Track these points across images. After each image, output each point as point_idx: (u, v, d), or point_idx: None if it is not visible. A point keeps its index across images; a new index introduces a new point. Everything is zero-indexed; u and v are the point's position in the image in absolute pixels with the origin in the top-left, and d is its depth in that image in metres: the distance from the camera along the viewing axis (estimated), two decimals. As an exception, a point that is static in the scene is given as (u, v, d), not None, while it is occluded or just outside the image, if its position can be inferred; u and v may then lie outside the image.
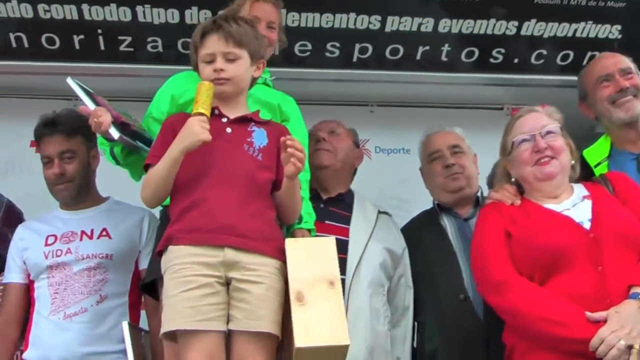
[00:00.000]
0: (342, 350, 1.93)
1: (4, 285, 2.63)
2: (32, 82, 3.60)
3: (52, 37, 3.33)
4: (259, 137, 2.14)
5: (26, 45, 3.36)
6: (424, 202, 3.12)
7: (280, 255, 2.02)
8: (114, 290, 2.49)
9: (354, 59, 3.46)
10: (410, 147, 3.79)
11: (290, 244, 2.05)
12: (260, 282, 1.95)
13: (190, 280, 1.91)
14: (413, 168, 3.60)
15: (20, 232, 2.63)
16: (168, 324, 1.92)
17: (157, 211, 2.53)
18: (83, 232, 2.54)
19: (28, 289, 2.57)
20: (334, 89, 3.65)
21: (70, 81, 2.30)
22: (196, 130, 1.98)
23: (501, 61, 3.55)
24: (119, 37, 3.31)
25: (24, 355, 2.48)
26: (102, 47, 3.35)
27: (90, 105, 2.23)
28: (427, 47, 3.47)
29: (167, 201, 2.25)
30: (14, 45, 3.36)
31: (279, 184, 2.12)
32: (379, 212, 2.71)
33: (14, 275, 2.59)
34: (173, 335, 1.94)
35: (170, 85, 2.38)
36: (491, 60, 3.55)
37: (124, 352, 2.37)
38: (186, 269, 1.93)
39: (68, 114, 2.66)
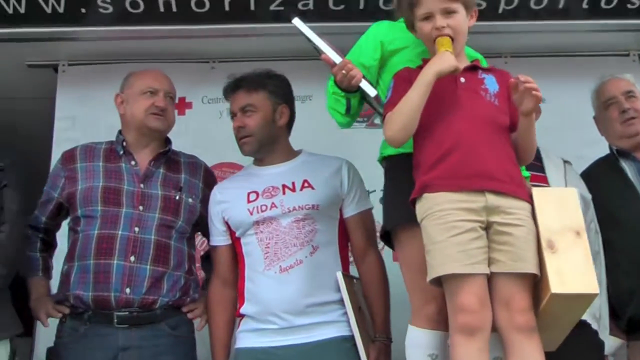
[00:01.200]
0: (591, 298, 2.03)
1: (211, 247, 2.69)
2: (177, 46, 3.66)
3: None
4: (491, 84, 2.19)
5: (174, 9, 3.38)
6: (563, 149, 3.17)
7: (530, 199, 2.08)
8: (324, 240, 2.52)
9: (500, 10, 3.47)
10: (546, 96, 3.84)
11: (537, 192, 2.11)
12: (522, 225, 2.01)
13: (456, 226, 1.97)
14: (549, 117, 3.68)
15: (217, 194, 2.67)
16: (439, 268, 1.98)
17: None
18: (284, 186, 2.56)
19: (234, 248, 2.63)
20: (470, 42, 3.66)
21: (298, 23, 2.33)
22: (450, 58, 2.07)
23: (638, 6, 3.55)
24: (270, -4, 3.33)
25: (241, 310, 2.53)
26: (252, 7, 3.36)
27: (333, 55, 2.23)
28: (568, -6, 3.48)
29: (392, 151, 2.31)
30: (161, 9, 3.39)
31: (513, 126, 2.17)
32: (563, 161, 2.76)
33: (218, 238, 2.64)
34: (437, 280, 2.01)
35: (377, 33, 2.40)
36: (628, 5, 3.54)
37: (340, 301, 2.45)
38: (450, 214, 1.98)
39: (254, 72, 2.70)
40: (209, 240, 2.77)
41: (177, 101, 3.51)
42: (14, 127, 3.16)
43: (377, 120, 3.62)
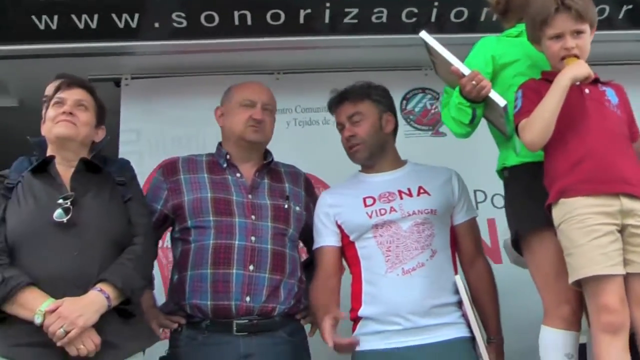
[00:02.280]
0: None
1: (317, 249, 2.70)
2: (242, 58, 3.73)
3: (278, 13, 3.41)
4: (611, 96, 2.31)
5: (249, 22, 3.44)
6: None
7: None
8: (440, 244, 2.59)
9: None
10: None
11: None
12: None
13: (595, 229, 2.08)
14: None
15: (327, 198, 2.73)
16: (582, 270, 2.08)
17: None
18: (400, 191, 2.63)
19: (341, 252, 2.68)
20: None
21: (426, 36, 2.39)
22: (585, 65, 2.21)
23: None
24: (346, 10, 3.40)
25: (360, 313, 2.56)
26: (327, 20, 3.44)
27: (462, 67, 2.31)
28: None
29: (514, 160, 2.42)
30: (236, 22, 3.45)
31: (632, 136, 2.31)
32: None
33: (331, 238, 2.67)
34: (576, 281, 2.12)
35: (487, 47, 2.50)
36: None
37: (456, 304, 2.54)
38: (589, 218, 2.09)
39: (356, 84, 2.77)
40: (308, 248, 2.83)
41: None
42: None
43: (442, 129, 3.73)
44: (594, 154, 2.16)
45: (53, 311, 2.09)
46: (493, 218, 3.60)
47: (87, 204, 2.33)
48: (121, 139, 3.81)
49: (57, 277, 2.16)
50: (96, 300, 2.18)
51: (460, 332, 2.51)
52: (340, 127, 2.75)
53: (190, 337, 2.55)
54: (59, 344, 2.09)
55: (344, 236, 2.67)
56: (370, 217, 2.59)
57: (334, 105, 2.77)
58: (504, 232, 3.06)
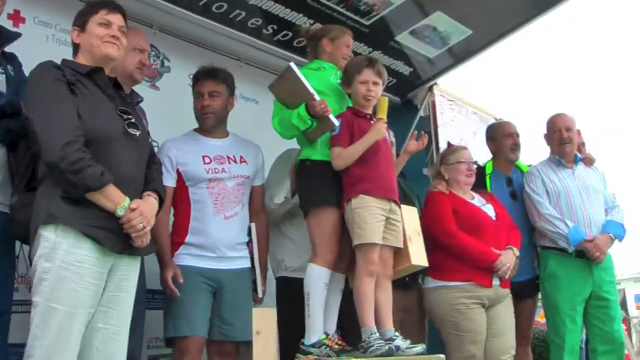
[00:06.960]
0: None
1: None
2: None
3: None
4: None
5: None
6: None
7: None
8: (246, 200, 3.75)
9: None
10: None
11: None
12: None
13: (377, 216, 3.43)
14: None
15: (172, 148, 3.59)
16: (367, 238, 3.38)
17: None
18: (228, 157, 3.66)
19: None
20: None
21: (295, 68, 3.30)
22: (383, 130, 3.47)
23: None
24: None
25: (187, 240, 3.47)
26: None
27: (315, 93, 3.28)
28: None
29: (317, 156, 3.49)
30: None
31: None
32: None
33: (170, 181, 3.50)
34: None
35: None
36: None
37: (246, 243, 3.64)
38: (376, 209, 3.41)
39: (220, 69, 3.75)
40: None
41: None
42: None
43: (158, 84, 4.50)
44: (381, 172, 3.48)
45: (134, 209, 2.60)
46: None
47: (136, 119, 2.80)
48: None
49: (125, 179, 2.65)
50: (155, 205, 2.78)
51: (247, 263, 3.60)
52: (199, 95, 3.58)
53: None
54: (134, 235, 2.63)
55: (179, 180, 3.49)
56: (208, 172, 3.51)
57: (202, 78, 3.60)
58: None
